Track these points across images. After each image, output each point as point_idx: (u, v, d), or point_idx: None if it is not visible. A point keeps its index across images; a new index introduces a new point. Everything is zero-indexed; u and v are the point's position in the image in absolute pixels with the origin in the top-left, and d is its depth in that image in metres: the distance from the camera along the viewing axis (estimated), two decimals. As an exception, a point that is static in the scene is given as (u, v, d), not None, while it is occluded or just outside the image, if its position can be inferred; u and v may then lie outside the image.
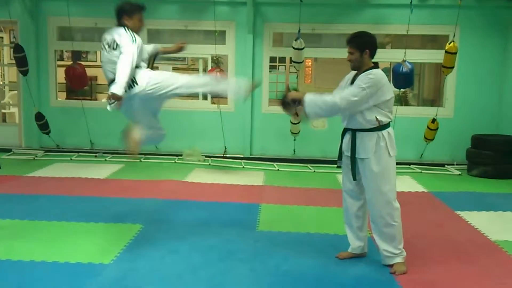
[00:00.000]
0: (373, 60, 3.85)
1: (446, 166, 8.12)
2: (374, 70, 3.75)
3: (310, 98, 3.77)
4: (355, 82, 3.75)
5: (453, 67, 7.38)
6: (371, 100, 3.68)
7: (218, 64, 8.95)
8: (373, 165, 3.75)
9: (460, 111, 8.25)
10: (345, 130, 3.92)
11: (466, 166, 7.84)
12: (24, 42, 8.24)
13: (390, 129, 3.82)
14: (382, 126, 3.75)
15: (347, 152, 3.90)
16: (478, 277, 3.83)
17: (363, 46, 3.77)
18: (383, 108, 3.74)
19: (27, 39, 8.41)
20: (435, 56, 7.94)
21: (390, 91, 3.78)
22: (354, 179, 3.87)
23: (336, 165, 4.14)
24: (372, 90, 3.66)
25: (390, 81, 7.65)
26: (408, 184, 6.94)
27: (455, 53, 7.21)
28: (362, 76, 3.74)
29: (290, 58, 8.00)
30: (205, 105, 8.66)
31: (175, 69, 9.66)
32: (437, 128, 7.69)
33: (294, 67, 7.93)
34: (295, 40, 7.46)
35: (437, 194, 6.42)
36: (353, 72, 3.92)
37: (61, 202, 5.53)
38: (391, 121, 3.83)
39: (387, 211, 3.78)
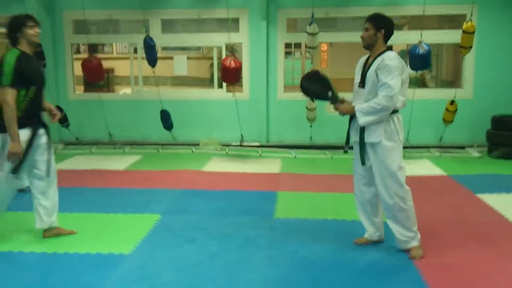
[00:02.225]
0: (387, 44, 3.83)
1: (466, 148, 8.01)
2: (389, 54, 3.72)
3: (360, 110, 3.72)
4: (381, 75, 3.65)
5: (471, 47, 7.24)
6: (402, 79, 3.67)
7: (232, 52, 8.92)
8: (382, 149, 3.73)
9: (479, 92, 8.11)
10: (352, 116, 3.88)
11: (487, 148, 7.72)
12: (40, 36, 8.28)
13: (399, 115, 3.80)
14: (392, 111, 3.71)
15: (355, 138, 3.88)
16: (498, 259, 3.79)
17: (380, 25, 3.76)
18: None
19: (44, 33, 8.34)
20: (453, 36, 7.80)
21: (406, 71, 3.77)
22: (363, 163, 3.85)
23: (343, 151, 4.12)
24: (400, 70, 3.66)
25: (407, 64, 7.58)
26: (427, 167, 6.86)
27: (473, 33, 7.06)
28: (382, 65, 3.65)
29: (306, 43, 7.94)
30: (220, 94, 8.67)
31: (190, 59, 9.65)
32: (456, 110, 7.56)
33: (309, 52, 7.86)
34: (309, 25, 7.39)
35: (456, 177, 6.34)
36: (365, 57, 3.89)
37: (81, 194, 5.62)
38: (402, 107, 3.78)
39: (399, 195, 3.76)
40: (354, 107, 3.78)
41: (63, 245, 4.09)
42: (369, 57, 3.86)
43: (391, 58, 3.67)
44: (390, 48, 3.84)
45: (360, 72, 3.87)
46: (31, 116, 3.94)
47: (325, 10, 8.03)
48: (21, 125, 3.82)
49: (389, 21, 3.83)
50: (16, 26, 3.89)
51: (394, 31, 3.85)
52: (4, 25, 3.98)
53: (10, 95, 3.73)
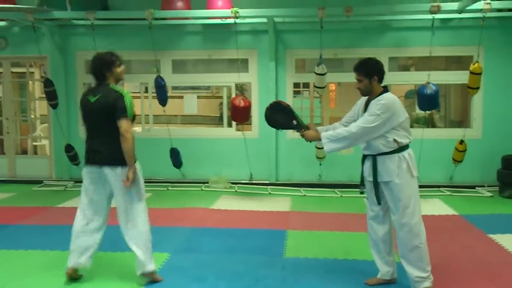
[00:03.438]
0: (383, 84, 3.91)
1: (476, 188, 7.95)
2: (385, 95, 3.79)
3: (326, 136, 3.79)
4: (368, 109, 3.77)
5: (478, 88, 7.29)
6: (387, 125, 3.70)
7: (242, 91, 9.05)
8: (397, 187, 3.73)
9: (488, 132, 8.11)
10: (365, 156, 3.92)
11: (498, 187, 7.66)
12: (53, 76, 8.52)
13: (410, 150, 3.83)
14: (402, 148, 3.75)
15: (369, 178, 3.89)
16: (513, 302, 3.71)
17: (371, 73, 3.83)
18: (399, 129, 3.76)
19: (57, 73, 8.70)
20: (460, 77, 7.88)
21: (403, 112, 3.81)
22: (379, 203, 3.85)
23: (359, 191, 4.11)
24: (387, 115, 3.69)
25: (415, 104, 7.63)
26: (438, 207, 6.79)
27: (480, 74, 7.12)
28: (374, 102, 3.76)
29: (314, 83, 8.04)
30: (229, 133, 8.74)
31: (199, 98, 9.79)
32: (466, 150, 7.55)
33: (317, 92, 7.96)
34: (317, 66, 7.50)
35: (468, 217, 6.27)
36: (365, 98, 3.96)
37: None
38: (410, 142, 3.83)
39: (414, 233, 3.74)
40: (320, 134, 3.83)
41: (72, 285, 4.06)
42: (368, 99, 3.91)
43: (384, 99, 3.74)
44: (386, 88, 3.89)
45: (362, 113, 3.91)
46: None
47: (333, 51, 8.17)
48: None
49: (377, 64, 3.90)
50: (107, 64, 4.04)
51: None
52: (93, 61, 4.07)
53: (130, 125, 3.93)
